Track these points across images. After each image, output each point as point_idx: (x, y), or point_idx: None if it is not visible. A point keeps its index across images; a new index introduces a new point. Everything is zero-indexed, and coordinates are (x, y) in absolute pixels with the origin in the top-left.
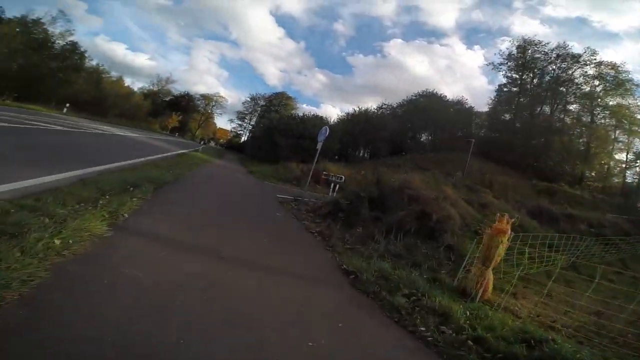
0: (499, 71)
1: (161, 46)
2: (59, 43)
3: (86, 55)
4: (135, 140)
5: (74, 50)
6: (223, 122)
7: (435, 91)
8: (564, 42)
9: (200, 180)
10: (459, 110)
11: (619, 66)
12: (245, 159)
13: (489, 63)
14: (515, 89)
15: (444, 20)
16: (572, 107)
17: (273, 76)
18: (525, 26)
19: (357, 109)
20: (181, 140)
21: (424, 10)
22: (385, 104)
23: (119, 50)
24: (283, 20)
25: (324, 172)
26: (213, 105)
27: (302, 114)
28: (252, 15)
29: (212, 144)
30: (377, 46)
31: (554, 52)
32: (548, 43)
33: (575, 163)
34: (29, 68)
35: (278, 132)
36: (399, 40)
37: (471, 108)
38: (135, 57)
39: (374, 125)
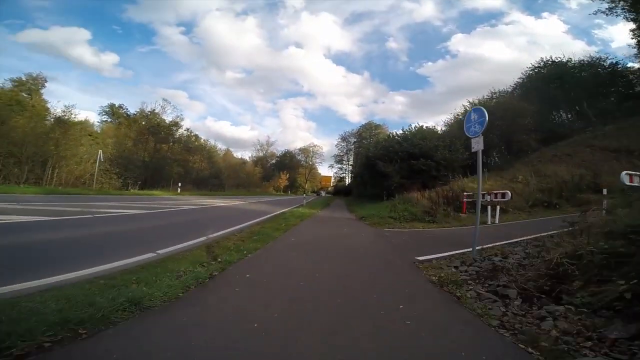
0: (616, 15)
1: (255, 115)
2: (174, 129)
3: (199, 136)
4: (231, 210)
5: (189, 135)
6: (325, 170)
7: (556, 58)
8: None
9: (276, 257)
10: (597, 73)
11: None
12: (353, 202)
13: (596, 12)
14: None
15: (491, 0)
16: None
17: (353, 113)
18: None
19: (469, 102)
20: (291, 198)
21: None
22: (495, 92)
23: (225, 128)
24: (339, 59)
25: (465, 193)
26: (312, 156)
27: (401, 130)
28: (311, 64)
29: (323, 193)
30: (441, 49)
31: None
32: None
33: None
34: (152, 154)
35: (380, 160)
36: (460, 35)
37: (615, 65)
38: (240, 131)
39: (503, 115)
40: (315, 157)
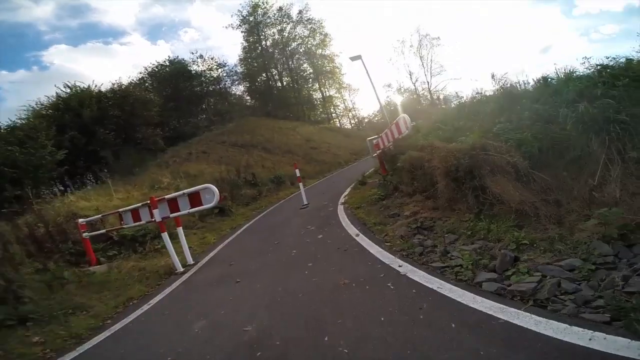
0: (242, 32)
1: None
2: None
3: None
4: None
5: None
6: None
7: (178, 57)
8: (287, 4)
9: None
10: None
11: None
12: None
13: (227, 26)
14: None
15: (122, 19)
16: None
17: None
18: (202, 14)
19: (65, 89)
20: None
21: (98, 10)
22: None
23: None
24: None
25: (81, 222)
26: None
27: None
28: None
29: None
30: (31, 57)
31: (277, 14)
32: (272, 5)
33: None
34: None
35: None
36: (64, 46)
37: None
38: None
39: (122, 102)
40: None
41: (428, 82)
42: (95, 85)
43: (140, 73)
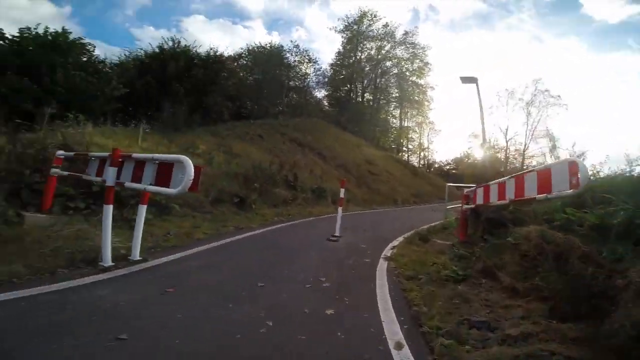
0: (342, 38)
1: None
2: None
3: None
4: None
5: None
6: None
7: (279, 43)
8: (394, 24)
9: None
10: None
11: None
12: None
13: (331, 28)
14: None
15: (253, 4)
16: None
17: None
18: (314, 19)
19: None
20: None
21: None
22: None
23: None
24: None
25: (59, 154)
26: None
27: None
28: None
29: None
30: (174, 20)
31: (380, 30)
32: (381, 18)
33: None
34: None
35: None
36: (201, 17)
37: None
38: None
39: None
40: None
41: (525, 144)
42: (196, 47)
43: (241, 48)
